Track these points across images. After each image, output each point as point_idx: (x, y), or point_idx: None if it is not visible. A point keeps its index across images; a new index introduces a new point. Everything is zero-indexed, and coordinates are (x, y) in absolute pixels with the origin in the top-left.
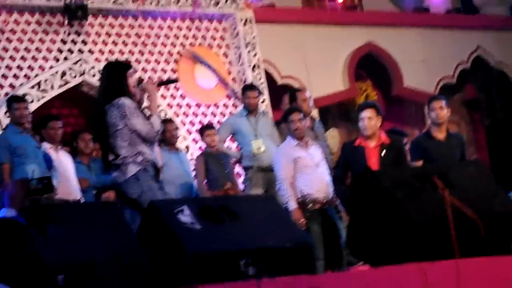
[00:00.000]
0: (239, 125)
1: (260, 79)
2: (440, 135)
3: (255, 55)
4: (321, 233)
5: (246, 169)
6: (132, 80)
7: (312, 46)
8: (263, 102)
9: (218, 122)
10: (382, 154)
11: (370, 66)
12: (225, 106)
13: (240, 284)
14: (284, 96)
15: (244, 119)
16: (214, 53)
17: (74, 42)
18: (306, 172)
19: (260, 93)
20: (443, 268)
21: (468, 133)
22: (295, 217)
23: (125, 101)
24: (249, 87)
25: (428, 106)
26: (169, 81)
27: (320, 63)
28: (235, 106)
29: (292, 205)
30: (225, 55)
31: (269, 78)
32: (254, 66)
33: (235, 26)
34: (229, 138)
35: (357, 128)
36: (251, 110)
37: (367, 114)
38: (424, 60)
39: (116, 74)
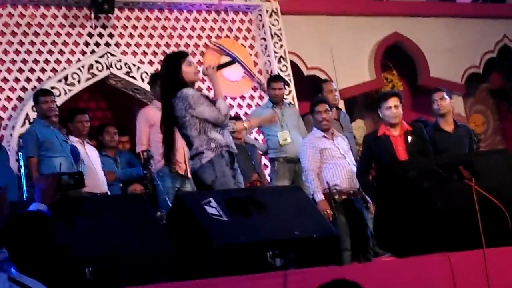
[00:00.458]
0: None
1: (286, 70)
2: (448, 127)
3: (281, 46)
4: (348, 224)
5: (272, 160)
6: (189, 69)
7: (338, 37)
8: (289, 93)
9: (245, 114)
10: (409, 141)
11: (396, 56)
12: (252, 98)
13: (267, 275)
14: None
15: (270, 110)
16: (240, 44)
17: (100, 35)
18: (333, 163)
19: (285, 84)
20: (470, 257)
21: (495, 122)
22: (321, 208)
23: (188, 91)
24: (274, 78)
25: (432, 98)
26: (227, 64)
27: (346, 54)
28: (261, 98)
29: (319, 196)
30: (251, 46)
31: (295, 69)
32: (280, 58)
33: (261, 18)
34: (255, 130)
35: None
36: (276, 101)
37: (394, 102)
38: (450, 50)
39: (171, 66)
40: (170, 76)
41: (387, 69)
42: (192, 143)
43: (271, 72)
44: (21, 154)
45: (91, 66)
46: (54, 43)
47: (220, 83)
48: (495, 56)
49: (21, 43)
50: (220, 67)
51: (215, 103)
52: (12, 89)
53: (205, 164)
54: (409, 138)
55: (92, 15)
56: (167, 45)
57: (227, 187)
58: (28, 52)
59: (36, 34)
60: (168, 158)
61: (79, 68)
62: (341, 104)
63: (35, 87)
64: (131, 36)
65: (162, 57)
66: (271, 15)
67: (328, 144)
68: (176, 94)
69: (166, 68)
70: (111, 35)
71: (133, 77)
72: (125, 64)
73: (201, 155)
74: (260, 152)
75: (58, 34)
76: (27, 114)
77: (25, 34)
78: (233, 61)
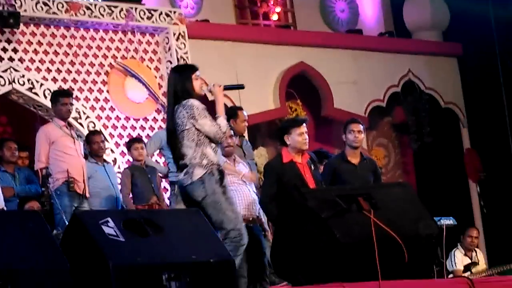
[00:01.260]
0: None
1: None
2: (354, 159)
3: None
4: (246, 251)
5: (172, 183)
6: (197, 82)
7: (244, 63)
8: None
9: (147, 136)
10: (313, 168)
11: (301, 85)
12: (155, 120)
13: None
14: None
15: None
16: (146, 66)
17: (4, 49)
18: (233, 189)
19: None
20: None
21: (396, 156)
22: None
23: (194, 102)
24: None
25: (345, 128)
26: (235, 87)
27: (251, 80)
28: (164, 120)
29: None
30: (157, 69)
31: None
32: None
33: (168, 40)
34: (157, 152)
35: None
36: None
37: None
38: (355, 82)
39: (183, 76)
40: (181, 85)
41: (292, 98)
42: (184, 154)
43: None
44: None
45: None
46: None
47: (223, 102)
48: (399, 91)
49: None
50: (227, 88)
51: (216, 120)
52: None
53: (195, 182)
54: (312, 167)
55: None
56: (72, 63)
57: (218, 205)
58: None
59: None
60: (177, 163)
61: None
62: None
63: None
64: (35, 52)
65: (66, 75)
66: (178, 38)
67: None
68: (182, 102)
69: (178, 78)
70: (15, 50)
71: (35, 93)
72: (28, 80)
73: (191, 170)
74: (160, 175)
75: None
76: None
77: None
78: (242, 86)
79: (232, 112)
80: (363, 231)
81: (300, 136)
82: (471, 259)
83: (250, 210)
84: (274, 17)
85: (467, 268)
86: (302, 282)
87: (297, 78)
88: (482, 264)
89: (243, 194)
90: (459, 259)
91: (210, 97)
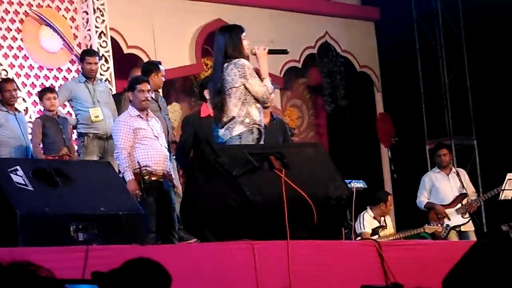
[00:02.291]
0: (77, 91)
1: (106, 46)
2: (264, 119)
3: (103, 21)
4: (156, 206)
5: (81, 135)
6: (246, 43)
7: (161, 19)
8: (107, 70)
9: (60, 86)
10: None
11: None
12: (69, 70)
13: (69, 248)
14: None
15: (82, 85)
16: (61, 16)
17: None
18: (145, 143)
19: (100, 59)
20: (274, 247)
21: (309, 117)
22: (130, 187)
23: (246, 62)
24: (88, 52)
25: None
26: (279, 51)
27: (168, 36)
28: (78, 72)
29: (129, 175)
30: (72, 19)
31: (115, 46)
32: (101, 33)
33: None
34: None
35: (199, 103)
36: (90, 76)
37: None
38: (271, 42)
39: (233, 36)
40: (233, 44)
41: (208, 55)
42: (228, 110)
43: (91, 47)
44: None
45: None
46: None
47: (267, 65)
48: (315, 52)
49: None
50: (271, 52)
51: (262, 81)
52: None
53: (233, 137)
54: None
55: None
56: None
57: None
58: None
59: None
60: (220, 119)
61: None
62: None
63: None
64: None
65: None
66: None
67: (143, 124)
68: (233, 60)
69: (229, 37)
70: None
71: None
72: None
73: (232, 126)
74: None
75: None
76: None
77: None
78: (286, 51)
79: (152, 67)
80: (274, 190)
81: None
82: (379, 222)
83: (161, 165)
84: None
85: (374, 231)
86: (210, 239)
87: (213, 35)
88: (390, 228)
89: (155, 149)
90: (367, 222)
91: None
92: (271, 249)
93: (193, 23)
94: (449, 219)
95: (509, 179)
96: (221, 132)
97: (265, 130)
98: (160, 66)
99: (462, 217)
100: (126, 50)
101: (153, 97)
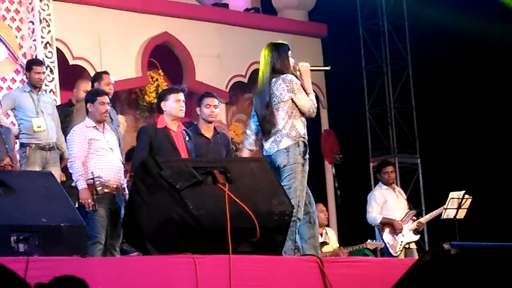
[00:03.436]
0: (21, 100)
1: (51, 57)
2: (208, 133)
3: (49, 32)
4: (106, 218)
5: (23, 146)
6: (292, 60)
7: (108, 29)
8: (52, 81)
9: (4, 95)
10: (187, 139)
11: (164, 56)
12: (13, 80)
13: (9, 259)
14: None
15: (27, 95)
16: (7, 25)
17: None
18: (99, 155)
19: (46, 69)
20: (216, 262)
21: None
22: (83, 196)
23: (293, 78)
24: (36, 62)
25: (201, 102)
26: (321, 68)
27: (114, 48)
28: (23, 82)
29: (82, 184)
30: (18, 29)
31: (61, 57)
32: (46, 43)
33: (31, 1)
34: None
35: (144, 116)
36: (35, 86)
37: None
38: (218, 56)
39: (282, 53)
40: (281, 60)
41: (154, 68)
42: (275, 123)
43: (36, 57)
44: None
45: None
46: None
47: (310, 80)
48: None
49: None
50: (314, 69)
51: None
52: None
53: (281, 150)
54: (186, 138)
55: None
56: None
57: (293, 173)
58: None
59: None
60: (266, 131)
61: None
62: None
63: None
64: None
65: None
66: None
67: (98, 136)
68: (281, 75)
69: (277, 54)
70: None
71: None
72: None
73: (280, 139)
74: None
75: None
76: None
77: None
78: (328, 68)
79: (97, 76)
80: (217, 204)
81: (176, 103)
82: (321, 237)
83: (114, 178)
84: None
85: None
86: (152, 252)
87: (160, 48)
88: (333, 244)
89: (109, 161)
90: None
91: None
92: (213, 263)
93: (140, 35)
94: (403, 235)
95: (452, 198)
96: (267, 145)
97: (209, 144)
98: (105, 75)
99: (413, 234)
100: (71, 61)
101: None
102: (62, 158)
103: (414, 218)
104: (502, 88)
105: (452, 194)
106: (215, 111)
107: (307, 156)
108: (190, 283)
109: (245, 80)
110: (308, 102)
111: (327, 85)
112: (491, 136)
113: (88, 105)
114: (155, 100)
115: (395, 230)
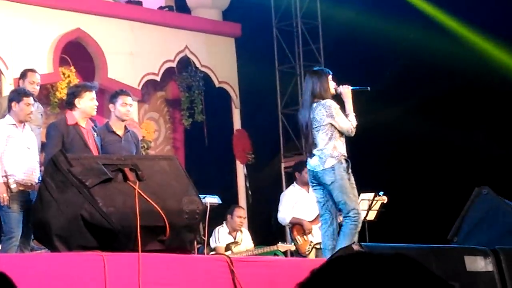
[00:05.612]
0: None
1: None
2: (119, 130)
3: None
4: (21, 215)
5: None
6: (332, 84)
7: (20, 25)
8: None
9: None
10: (96, 135)
11: (76, 52)
12: None
13: None
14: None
15: None
16: None
17: None
18: (15, 152)
19: None
20: (125, 260)
21: (166, 131)
22: None
23: (332, 103)
24: None
25: (115, 99)
26: (361, 88)
27: (26, 43)
28: None
29: None
30: None
31: None
32: None
33: None
34: None
35: (55, 113)
36: None
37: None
38: (131, 54)
39: (321, 79)
40: (320, 86)
41: (65, 64)
42: (316, 143)
43: None
44: None
45: None
46: None
47: (351, 101)
48: (174, 66)
49: None
50: (354, 89)
51: (347, 117)
52: None
53: (327, 169)
54: (95, 134)
55: None
56: None
57: (343, 188)
58: None
59: None
60: (309, 151)
61: None
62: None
63: None
64: None
65: None
66: None
67: (16, 134)
68: (321, 101)
69: (317, 79)
70: None
71: None
72: None
73: (324, 158)
74: None
75: None
76: None
77: None
78: (367, 88)
79: (23, 73)
80: (127, 202)
81: (91, 101)
82: (234, 238)
83: (29, 176)
84: None
85: (228, 247)
86: (61, 249)
87: (72, 44)
88: (249, 243)
89: (25, 160)
90: (222, 237)
91: None
92: (122, 261)
93: (52, 31)
94: (312, 235)
95: (362, 200)
96: (312, 161)
97: (120, 141)
98: (30, 72)
99: None
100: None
101: None
102: None
103: None
104: (420, 85)
105: (363, 196)
106: (131, 109)
107: (350, 171)
108: (98, 281)
109: (158, 78)
110: (347, 124)
111: (240, 85)
112: (405, 135)
113: (13, 103)
114: None
115: (304, 230)
